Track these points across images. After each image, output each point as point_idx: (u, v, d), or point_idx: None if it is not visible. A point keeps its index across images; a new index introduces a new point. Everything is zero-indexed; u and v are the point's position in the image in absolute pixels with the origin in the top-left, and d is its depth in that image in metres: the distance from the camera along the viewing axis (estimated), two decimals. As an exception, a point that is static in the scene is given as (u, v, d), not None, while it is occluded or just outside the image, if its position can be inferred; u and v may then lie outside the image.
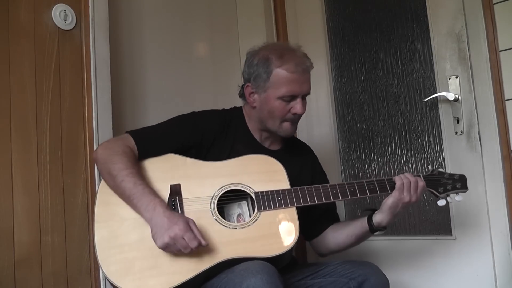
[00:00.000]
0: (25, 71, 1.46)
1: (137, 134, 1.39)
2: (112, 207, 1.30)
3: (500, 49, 1.74)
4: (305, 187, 1.38)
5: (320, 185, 1.41)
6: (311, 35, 2.29)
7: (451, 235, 1.88)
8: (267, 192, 1.35)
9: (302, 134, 2.27)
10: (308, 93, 1.47)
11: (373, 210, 1.46)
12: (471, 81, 1.81)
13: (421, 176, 1.47)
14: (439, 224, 1.95)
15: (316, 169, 1.62)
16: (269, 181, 1.37)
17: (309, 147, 1.69)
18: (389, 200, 1.40)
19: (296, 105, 1.44)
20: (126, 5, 1.88)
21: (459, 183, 1.49)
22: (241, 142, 1.49)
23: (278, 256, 1.28)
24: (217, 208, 1.33)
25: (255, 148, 1.49)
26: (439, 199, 1.47)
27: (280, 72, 1.42)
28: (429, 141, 1.98)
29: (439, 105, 1.91)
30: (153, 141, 1.39)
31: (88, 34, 1.61)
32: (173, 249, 1.21)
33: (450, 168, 1.86)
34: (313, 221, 1.52)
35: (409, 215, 2.03)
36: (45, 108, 1.49)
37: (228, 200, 1.37)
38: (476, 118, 1.80)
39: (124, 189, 1.27)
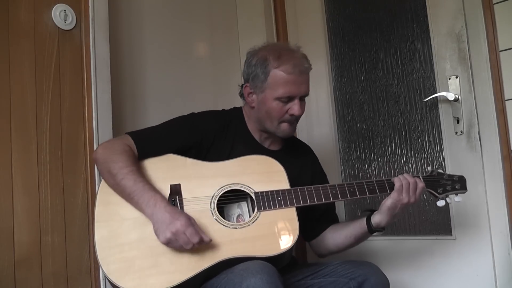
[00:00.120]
0: (25, 71, 1.46)
1: (136, 135, 1.39)
2: (112, 206, 1.30)
3: (500, 49, 1.74)
4: (304, 187, 1.38)
5: (319, 185, 1.41)
6: (311, 35, 2.29)
7: (451, 235, 1.88)
8: (267, 192, 1.35)
9: (302, 134, 2.28)
10: (306, 94, 1.47)
11: (372, 211, 1.46)
12: (471, 81, 1.81)
13: (421, 176, 1.47)
14: (439, 224, 1.95)
15: (316, 169, 1.62)
16: (269, 181, 1.38)
17: (309, 147, 1.69)
18: (388, 201, 1.40)
19: (294, 106, 1.44)
20: (126, 5, 1.88)
21: (459, 184, 1.49)
22: (241, 143, 1.49)
23: (278, 256, 1.28)
24: (217, 208, 1.33)
25: (255, 148, 1.49)
26: (438, 200, 1.48)
27: (277, 73, 1.42)
28: (429, 141, 1.98)
29: (439, 105, 1.91)
30: (152, 142, 1.39)
31: (88, 34, 1.61)
32: (175, 244, 1.21)
33: (450, 168, 1.86)
34: (312, 222, 1.52)
35: (409, 215, 2.02)
36: (45, 108, 1.49)
37: (228, 200, 1.37)
38: (476, 118, 1.80)
39: (124, 187, 1.27)
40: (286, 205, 1.35)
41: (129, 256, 1.24)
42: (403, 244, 2.01)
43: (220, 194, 1.34)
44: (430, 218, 1.97)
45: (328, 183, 1.52)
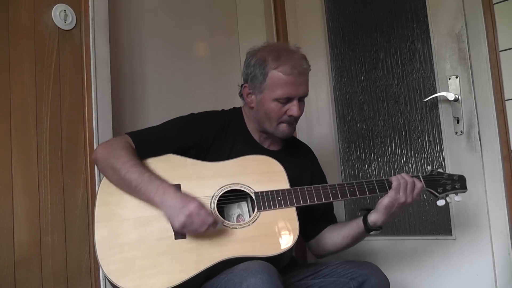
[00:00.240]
0: (25, 71, 1.46)
1: (136, 135, 1.39)
2: (112, 207, 1.30)
3: (500, 49, 1.74)
4: (304, 187, 1.38)
5: (319, 185, 1.41)
6: (311, 35, 2.29)
7: (451, 235, 1.88)
8: (267, 192, 1.35)
9: (302, 134, 2.28)
10: (305, 95, 1.47)
11: (369, 210, 1.46)
12: (471, 81, 1.81)
13: (421, 176, 1.47)
14: (439, 224, 1.95)
15: (315, 170, 1.62)
16: (269, 181, 1.38)
17: (309, 148, 1.69)
18: (385, 200, 1.39)
19: (292, 107, 1.43)
20: (126, 5, 1.88)
21: (458, 183, 1.49)
22: (240, 143, 1.49)
23: (278, 256, 1.28)
24: (217, 208, 1.33)
25: (254, 148, 1.49)
26: (438, 199, 1.47)
27: (275, 74, 1.41)
28: (429, 141, 1.98)
29: (439, 105, 1.91)
30: (152, 142, 1.39)
31: (88, 34, 1.61)
32: (190, 228, 1.22)
33: (450, 168, 1.86)
34: (310, 222, 1.51)
35: (409, 215, 2.03)
36: (45, 108, 1.49)
37: (228, 200, 1.37)
38: (476, 118, 1.80)
39: (130, 180, 1.27)
40: (286, 205, 1.34)
41: (129, 256, 1.24)
42: (403, 244, 2.01)
43: (220, 194, 1.34)
44: (430, 218, 1.97)
45: (327, 184, 1.51)
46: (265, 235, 1.30)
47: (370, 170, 2.13)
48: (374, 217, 1.42)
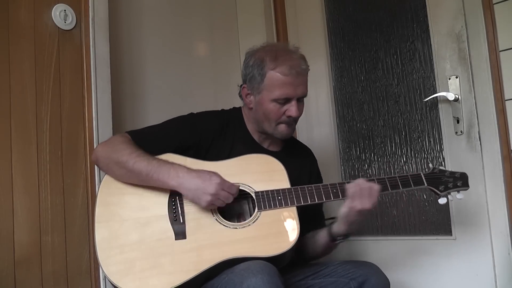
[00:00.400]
0: (25, 71, 1.46)
1: (135, 134, 1.39)
2: (112, 207, 1.30)
3: (500, 49, 1.74)
4: (305, 186, 1.38)
5: (320, 184, 1.40)
6: (311, 35, 2.29)
7: (451, 235, 1.88)
8: (267, 191, 1.35)
9: (302, 134, 2.28)
10: (304, 96, 1.46)
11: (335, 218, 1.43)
12: (471, 81, 1.81)
13: (422, 174, 1.46)
14: (439, 224, 1.95)
15: (313, 172, 1.61)
16: (270, 180, 1.37)
17: (310, 149, 1.68)
18: (342, 209, 1.37)
19: (291, 108, 1.43)
20: (126, 5, 1.88)
21: (460, 181, 1.47)
22: (240, 143, 1.48)
23: (279, 256, 1.27)
24: (218, 207, 1.32)
25: (254, 149, 1.48)
26: (440, 197, 1.46)
27: (273, 75, 1.41)
28: (429, 141, 1.98)
29: (439, 105, 1.91)
30: (151, 141, 1.39)
31: (88, 34, 1.61)
32: (217, 203, 1.27)
33: (450, 168, 1.85)
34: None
35: (409, 215, 2.03)
36: (45, 108, 1.50)
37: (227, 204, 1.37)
38: (476, 118, 1.80)
39: (140, 170, 1.27)
40: (286, 205, 1.34)
41: (129, 257, 1.24)
42: (403, 244, 2.01)
43: None
44: (430, 218, 1.97)
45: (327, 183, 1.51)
46: (266, 235, 1.30)
47: (370, 170, 2.13)
48: (336, 227, 1.41)
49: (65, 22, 1.57)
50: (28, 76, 1.47)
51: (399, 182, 1.43)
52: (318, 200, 1.38)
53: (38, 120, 1.47)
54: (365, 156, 2.15)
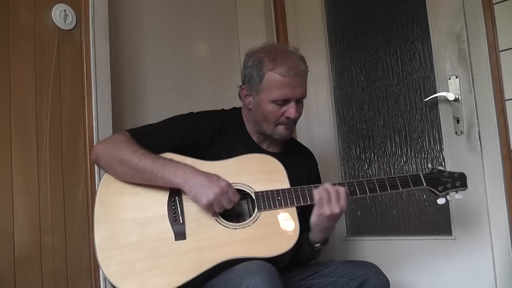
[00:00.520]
0: (25, 71, 1.46)
1: (135, 132, 1.38)
2: (111, 207, 1.29)
3: (500, 49, 1.74)
4: (305, 186, 1.37)
5: (320, 184, 1.40)
6: (311, 35, 2.29)
7: (451, 235, 1.88)
8: (267, 192, 1.35)
9: (302, 134, 2.28)
10: (303, 97, 1.46)
11: None
12: (471, 81, 1.81)
13: (421, 174, 1.46)
14: (439, 224, 1.95)
15: (312, 173, 1.61)
16: (269, 180, 1.37)
17: (310, 151, 1.67)
18: (312, 218, 1.36)
19: (290, 109, 1.42)
20: (126, 5, 1.88)
21: (459, 181, 1.47)
22: (239, 143, 1.48)
23: (279, 256, 1.28)
24: None
25: (253, 149, 1.47)
26: (438, 198, 1.46)
27: (272, 76, 1.40)
28: (429, 141, 1.98)
29: (439, 105, 1.91)
30: (150, 139, 1.38)
31: (88, 34, 1.61)
32: (217, 205, 1.26)
33: (450, 168, 1.85)
34: None
35: (409, 215, 2.03)
36: (45, 108, 1.50)
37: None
38: (476, 118, 1.80)
39: (144, 167, 1.27)
40: (286, 205, 1.34)
41: (129, 258, 1.23)
42: (403, 244, 2.01)
43: None
44: (430, 218, 1.97)
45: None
46: (266, 235, 1.30)
47: (370, 170, 2.13)
48: (311, 235, 1.40)
49: (65, 22, 1.57)
50: (28, 76, 1.47)
51: (398, 183, 1.42)
52: None
53: (38, 120, 1.47)
54: (365, 156, 2.16)
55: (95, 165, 1.52)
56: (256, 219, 1.32)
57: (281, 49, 1.48)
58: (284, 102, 1.42)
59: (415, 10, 2.00)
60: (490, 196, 1.78)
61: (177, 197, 1.31)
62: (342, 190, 1.35)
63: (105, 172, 1.34)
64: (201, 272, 1.23)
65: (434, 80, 1.93)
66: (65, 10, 1.57)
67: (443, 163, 1.92)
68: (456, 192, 1.47)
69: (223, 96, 2.14)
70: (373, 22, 2.13)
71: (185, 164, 1.29)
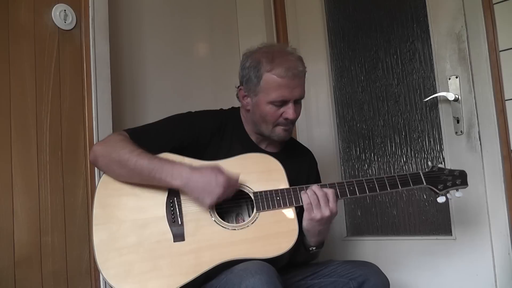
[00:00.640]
0: (25, 71, 1.46)
1: (133, 132, 1.38)
2: (110, 209, 1.29)
3: (500, 49, 1.74)
4: (304, 186, 1.36)
5: (319, 184, 1.39)
6: (311, 35, 2.29)
7: (451, 235, 1.88)
8: (265, 192, 1.34)
9: (302, 134, 2.28)
10: (301, 98, 1.45)
11: None
12: (471, 81, 1.81)
13: (421, 173, 1.45)
14: (439, 224, 1.95)
15: (312, 173, 1.60)
16: (268, 180, 1.36)
17: (310, 151, 1.66)
18: (303, 223, 1.35)
19: (288, 110, 1.41)
20: (126, 5, 1.88)
21: (459, 179, 1.46)
22: (238, 143, 1.48)
23: (278, 257, 1.27)
24: (216, 207, 1.32)
25: (252, 150, 1.47)
26: (438, 196, 1.45)
27: (269, 77, 1.40)
28: (429, 141, 1.98)
29: (439, 105, 1.91)
30: (149, 139, 1.37)
31: (88, 34, 1.62)
32: (222, 199, 1.28)
33: (451, 168, 1.86)
34: None
35: (409, 215, 2.03)
36: (45, 108, 1.50)
37: (226, 200, 1.36)
38: (476, 118, 1.80)
39: (141, 168, 1.26)
40: (285, 205, 1.34)
41: (128, 259, 1.23)
42: (403, 244, 2.01)
43: None
44: (430, 218, 1.97)
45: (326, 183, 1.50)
46: (265, 236, 1.29)
47: (370, 170, 2.13)
48: (306, 239, 1.40)
49: (65, 22, 1.57)
50: (28, 76, 1.47)
51: (398, 182, 1.41)
52: None
53: (38, 120, 1.47)
54: (365, 156, 2.15)
55: (96, 163, 1.52)
56: (255, 220, 1.32)
57: (278, 50, 1.47)
58: (282, 103, 1.41)
59: (415, 10, 2.00)
60: (490, 196, 1.78)
61: (175, 198, 1.31)
62: (330, 192, 1.34)
63: (104, 173, 1.34)
64: (200, 274, 1.23)
65: (434, 80, 1.93)
66: (65, 10, 1.57)
67: (443, 163, 1.92)
68: (457, 190, 1.46)
69: (223, 96, 2.14)
70: (373, 22, 2.13)
71: (181, 164, 1.29)
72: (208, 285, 1.26)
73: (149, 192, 1.31)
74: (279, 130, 1.45)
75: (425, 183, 1.44)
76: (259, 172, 1.38)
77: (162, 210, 1.30)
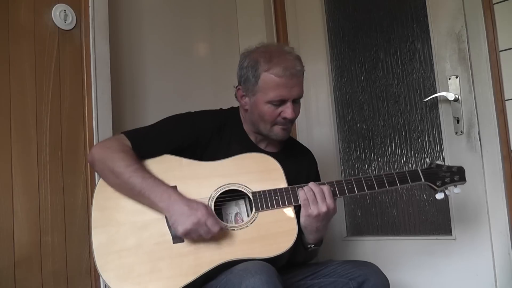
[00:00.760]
0: (25, 71, 1.46)
1: (132, 135, 1.38)
2: (108, 211, 1.29)
3: (500, 49, 1.74)
4: (302, 185, 1.36)
5: (317, 182, 1.38)
6: (311, 35, 2.29)
7: (451, 235, 1.88)
8: (264, 191, 1.34)
9: (302, 134, 2.28)
10: (299, 97, 1.44)
11: None
12: (471, 81, 1.81)
13: (419, 170, 1.44)
14: (439, 224, 1.95)
15: (311, 172, 1.59)
16: (266, 180, 1.36)
17: (309, 151, 1.66)
18: (301, 220, 1.35)
19: (286, 110, 1.41)
20: (126, 5, 1.88)
21: (457, 175, 1.45)
22: (237, 143, 1.47)
23: (277, 256, 1.27)
24: (215, 208, 1.32)
25: (251, 149, 1.46)
26: (437, 193, 1.44)
27: (267, 77, 1.39)
28: (429, 141, 1.98)
29: (439, 105, 1.91)
30: (148, 141, 1.38)
31: (88, 34, 1.62)
32: (193, 235, 1.23)
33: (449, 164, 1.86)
34: None
35: (409, 215, 2.03)
36: (45, 108, 1.50)
37: (225, 200, 1.36)
38: (476, 118, 1.80)
39: (134, 185, 1.26)
40: (284, 205, 1.33)
41: (127, 262, 1.23)
42: (403, 244, 2.01)
43: (217, 195, 1.33)
44: (430, 218, 1.97)
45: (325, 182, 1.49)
46: (264, 236, 1.29)
47: (370, 170, 2.13)
48: (304, 237, 1.39)
49: (65, 22, 1.57)
50: (28, 76, 1.47)
51: (396, 179, 1.41)
52: None
53: (38, 120, 1.48)
54: (365, 156, 2.15)
55: (93, 165, 1.52)
56: (254, 220, 1.32)
57: (276, 49, 1.47)
58: (281, 102, 1.41)
59: (415, 10, 2.00)
60: (490, 196, 1.78)
61: None
62: (326, 188, 1.34)
63: (99, 177, 1.34)
64: (200, 275, 1.23)
65: (434, 80, 1.93)
66: (65, 10, 1.57)
67: (443, 163, 1.92)
68: (455, 186, 1.45)
69: (223, 96, 2.13)
70: (373, 22, 2.13)
71: (173, 190, 1.28)
72: (208, 286, 1.26)
73: None
74: (277, 129, 1.45)
75: (423, 180, 1.43)
76: (257, 172, 1.38)
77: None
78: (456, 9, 1.84)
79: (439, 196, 1.44)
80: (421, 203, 1.99)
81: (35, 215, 1.43)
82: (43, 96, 1.50)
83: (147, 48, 1.94)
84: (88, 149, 1.57)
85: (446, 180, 1.44)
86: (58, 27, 1.56)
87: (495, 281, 1.77)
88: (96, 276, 1.53)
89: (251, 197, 1.34)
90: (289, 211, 1.34)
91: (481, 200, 1.79)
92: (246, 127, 1.53)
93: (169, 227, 1.27)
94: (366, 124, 2.15)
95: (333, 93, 2.26)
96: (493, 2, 1.75)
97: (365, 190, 1.39)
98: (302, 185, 1.36)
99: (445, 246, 1.89)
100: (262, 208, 1.33)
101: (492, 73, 1.76)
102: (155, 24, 2.00)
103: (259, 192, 1.34)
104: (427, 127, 1.98)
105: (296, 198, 1.35)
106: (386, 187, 1.40)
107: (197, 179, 1.35)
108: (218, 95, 2.17)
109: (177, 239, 1.26)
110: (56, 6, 1.55)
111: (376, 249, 2.06)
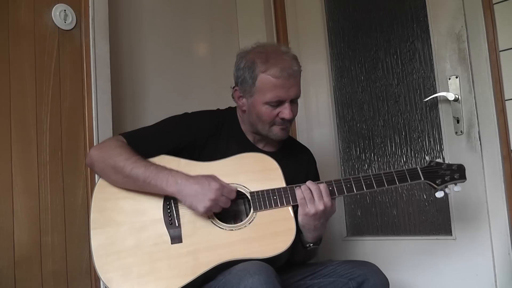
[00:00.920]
0: (25, 71, 1.47)
1: (129, 136, 1.38)
2: (107, 213, 1.29)
3: (500, 49, 1.74)
4: (300, 185, 1.35)
5: (316, 182, 1.38)
6: (311, 35, 2.29)
7: (451, 235, 1.88)
8: (262, 191, 1.34)
9: (302, 134, 2.28)
10: (297, 97, 1.44)
11: None
12: (471, 81, 1.81)
13: (419, 168, 1.42)
14: (439, 224, 1.94)
15: (310, 173, 1.59)
16: (264, 179, 1.36)
17: (308, 150, 1.66)
18: (299, 219, 1.34)
19: (284, 110, 1.41)
20: (126, 5, 1.89)
21: (457, 173, 1.43)
22: (235, 143, 1.47)
23: (275, 257, 1.27)
24: None
25: (249, 149, 1.46)
26: (437, 191, 1.43)
27: (264, 78, 1.39)
28: (429, 141, 1.97)
29: (439, 105, 1.91)
30: (146, 142, 1.38)
31: (88, 34, 1.62)
32: (215, 209, 1.27)
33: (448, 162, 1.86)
34: None
35: (409, 215, 2.03)
36: (45, 108, 1.50)
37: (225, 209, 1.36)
38: (476, 118, 1.80)
39: (137, 175, 1.26)
40: (282, 204, 1.33)
41: (126, 263, 1.24)
42: (403, 244, 2.01)
43: None
44: (430, 218, 1.97)
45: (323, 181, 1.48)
46: (262, 236, 1.29)
47: (370, 170, 2.13)
48: (302, 236, 1.39)
49: (65, 22, 1.57)
50: (28, 76, 1.47)
51: (395, 177, 1.39)
52: None
53: (38, 120, 1.48)
54: (365, 156, 2.15)
55: (92, 167, 1.52)
56: (252, 220, 1.32)
57: (272, 50, 1.45)
58: (278, 103, 1.41)
59: (415, 10, 2.00)
60: (490, 196, 1.78)
61: (172, 200, 1.31)
62: (323, 186, 1.34)
63: (100, 177, 1.34)
64: (198, 275, 1.23)
65: (434, 80, 1.93)
66: (65, 10, 1.57)
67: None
68: (455, 184, 1.44)
69: (223, 96, 2.13)
70: (373, 22, 2.13)
71: (177, 172, 1.28)
72: (207, 286, 1.26)
73: (146, 194, 1.31)
74: (276, 129, 1.45)
75: (422, 178, 1.42)
76: (256, 171, 1.38)
77: (159, 213, 1.30)
78: (456, 9, 1.84)
79: (439, 194, 1.43)
80: (421, 203, 1.99)
81: (35, 215, 1.43)
82: (43, 96, 1.50)
83: (147, 48, 1.94)
84: (88, 149, 1.57)
85: (446, 179, 1.43)
86: (58, 27, 1.56)
87: (495, 281, 1.76)
88: (96, 276, 1.53)
89: (249, 197, 1.34)
90: (287, 211, 1.34)
91: (481, 200, 1.79)
92: (244, 127, 1.53)
93: (168, 228, 1.28)
94: (366, 124, 2.15)
95: (333, 93, 2.25)
96: (493, 2, 1.74)
97: (364, 189, 1.38)
98: (300, 184, 1.36)
99: (445, 246, 1.89)
100: (261, 208, 1.33)
101: (492, 73, 1.76)
102: (155, 24, 2.00)
103: (257, 192, 1.34)
104: (427, 127, 1.98)
105: (294, 198, 1.34)
106: (385, 186, 1.39)
107: (195, 179, 1.34)
108: (218, 95, 2.16)
109: (175, 239, 1.27)
110: (56, 6, 1.55)
111: (376, 249, 2.06)
